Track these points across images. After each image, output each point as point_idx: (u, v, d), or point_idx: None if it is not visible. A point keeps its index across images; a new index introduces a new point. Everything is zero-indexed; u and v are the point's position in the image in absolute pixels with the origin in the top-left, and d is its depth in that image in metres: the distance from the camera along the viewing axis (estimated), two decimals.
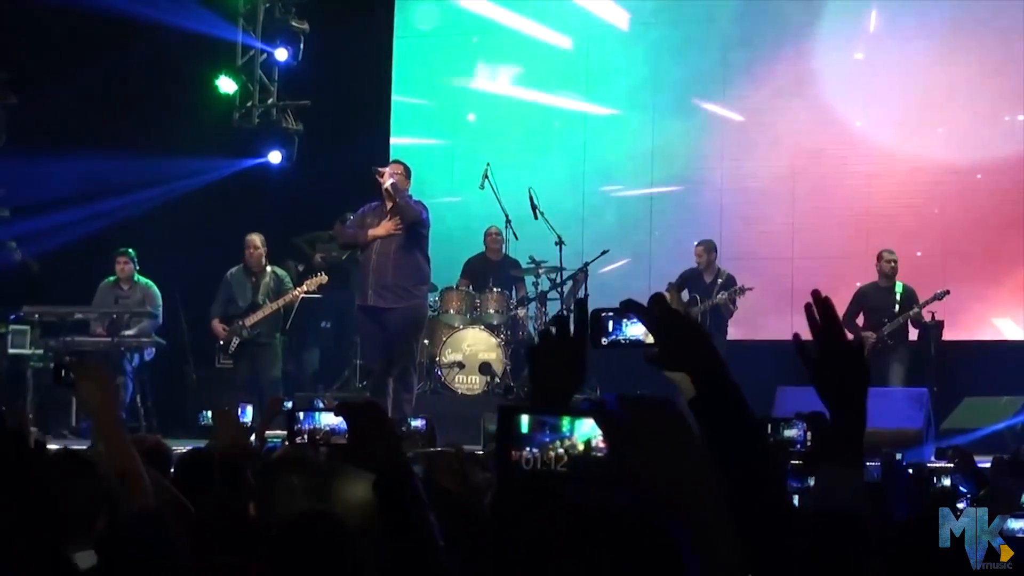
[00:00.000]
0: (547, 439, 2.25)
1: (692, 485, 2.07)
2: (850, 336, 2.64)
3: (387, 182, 11.76)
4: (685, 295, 13.87)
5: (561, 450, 2.23)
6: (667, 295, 2.58)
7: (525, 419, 2.25)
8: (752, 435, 2.43)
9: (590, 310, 2.72)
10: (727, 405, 2.43)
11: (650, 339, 2.56)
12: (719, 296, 13.90)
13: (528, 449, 2.24)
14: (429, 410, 10.26)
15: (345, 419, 3.20)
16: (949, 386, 13.13)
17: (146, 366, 13.75)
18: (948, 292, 13.56)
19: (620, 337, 2.66)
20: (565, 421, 2.24)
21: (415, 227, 11.84)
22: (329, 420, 3.80)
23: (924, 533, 3.20)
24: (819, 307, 2.53)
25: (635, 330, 2.64)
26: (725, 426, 2.38)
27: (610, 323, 2.68)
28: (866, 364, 2.55)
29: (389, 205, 11.85)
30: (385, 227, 11.80)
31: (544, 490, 2.53)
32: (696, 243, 14.39)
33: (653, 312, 2.54)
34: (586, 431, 2.23)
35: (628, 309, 2.60)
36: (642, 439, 2.05)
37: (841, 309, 12.13)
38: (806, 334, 2.57)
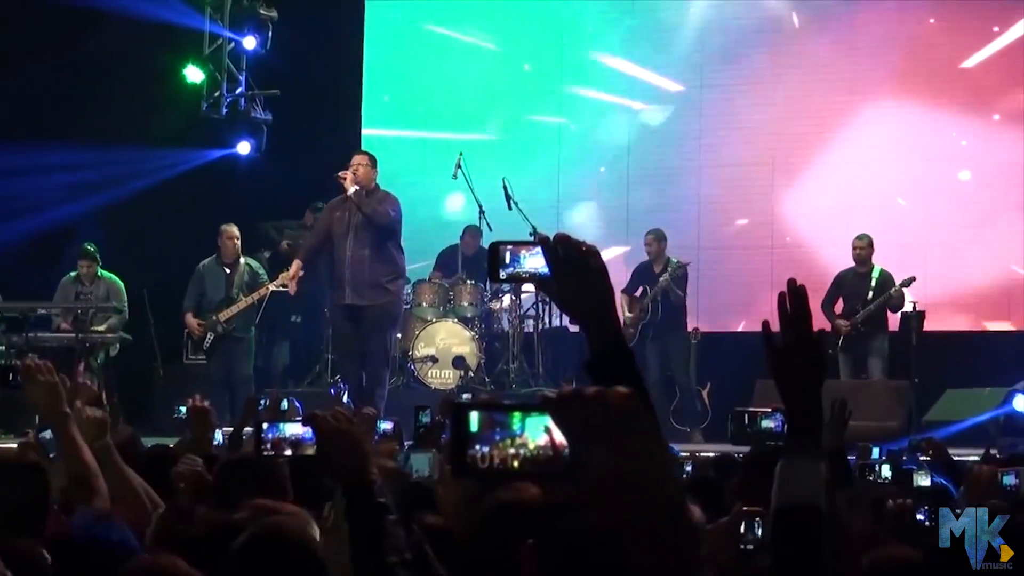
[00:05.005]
0: (497, 437, 2.06)
1: (650, 476, 1.93)
2: (827, 326, 2.61)
3: (351, 189, 11.75)
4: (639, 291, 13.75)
5: (512, 449, 2.04)
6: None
7: (475, 416, 2.06)
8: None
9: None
10: (621, 367, 2.46)
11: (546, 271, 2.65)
12: (662, 279, 13.55)
13: (479, 448, 2.05)
14: (403, 405, 10.19)
15: (314, 430, 3.24)
16: (931, 377, 12.93)
17: (112, 362, 13.47)
18: (914, 279, 13.32)
19: (519, 269, 2.73)
20: (515, 419, 2.04)
21: (386, 229, 11.77)
22: (295, 430, 3.73)
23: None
24: (792, 297, 2.56)
25: (534, 262, 2.70)
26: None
27: (508, 255, 2.73)
28: (824, 359, 2.61)
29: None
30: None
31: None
32: (646, 233, 14.08)
33: (555, 246, 2.57)
34: (538, 428, 2.03)
35: (536, 242, 2.67)
36: (598, 432, 1.91)
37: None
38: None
